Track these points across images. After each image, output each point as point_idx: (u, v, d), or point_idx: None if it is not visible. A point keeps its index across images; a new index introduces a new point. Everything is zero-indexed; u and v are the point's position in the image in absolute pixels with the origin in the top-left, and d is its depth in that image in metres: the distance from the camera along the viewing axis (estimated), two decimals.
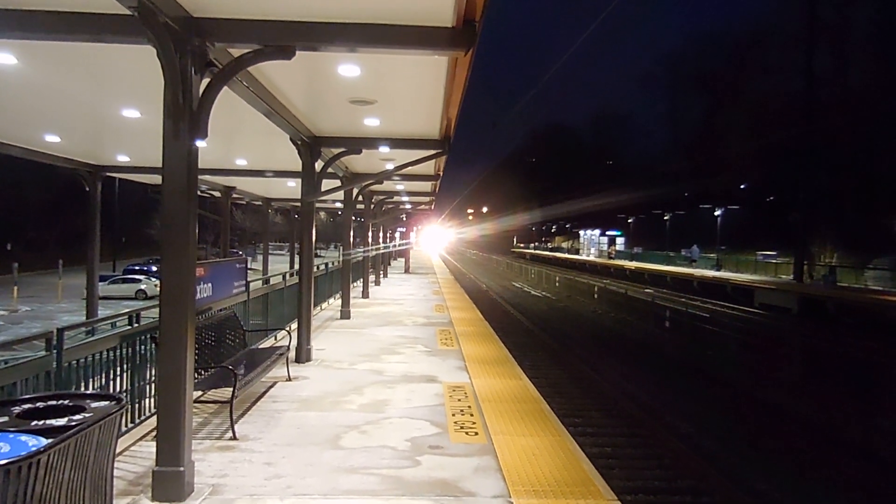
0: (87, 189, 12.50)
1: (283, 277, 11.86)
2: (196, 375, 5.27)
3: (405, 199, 22.88)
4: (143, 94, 6.55)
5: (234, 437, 5.37)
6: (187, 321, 4.13)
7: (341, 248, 17.24)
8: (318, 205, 11.55)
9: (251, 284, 9.10)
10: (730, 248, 44.49)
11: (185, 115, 3.99)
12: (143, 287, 32.04)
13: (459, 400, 6.75)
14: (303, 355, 8.55)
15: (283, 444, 5.26)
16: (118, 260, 44.75)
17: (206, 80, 4.24)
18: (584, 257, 62.90)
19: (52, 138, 9.48)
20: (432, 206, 30.03)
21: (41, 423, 2.84)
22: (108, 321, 6.50)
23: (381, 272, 25.48)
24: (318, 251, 45.64)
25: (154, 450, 4.15)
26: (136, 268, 38.14)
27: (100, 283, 17.00)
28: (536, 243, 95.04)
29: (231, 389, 5.52)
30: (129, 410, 5.43)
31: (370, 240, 20.71)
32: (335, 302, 15.64)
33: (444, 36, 4.35)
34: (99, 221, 12.77)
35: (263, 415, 6.09)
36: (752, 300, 28.02)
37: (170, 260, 4.14)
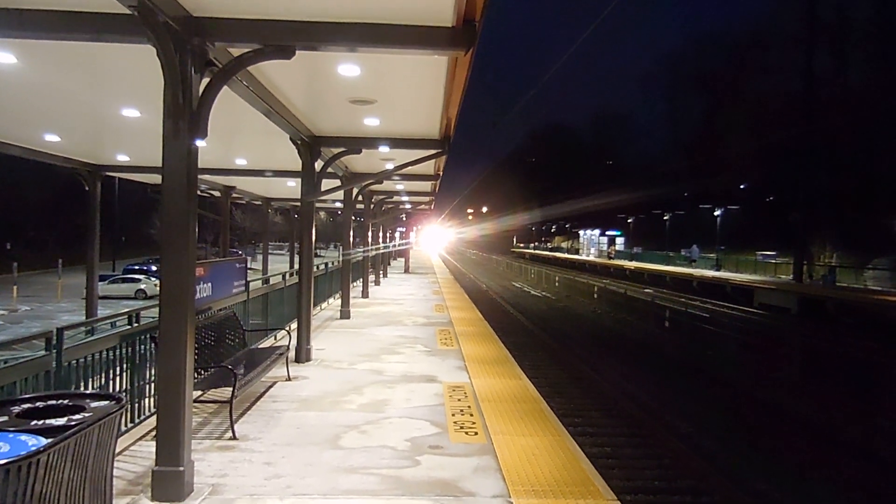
0: (87, 188, 12.50)
1: (283, 277, 11.86)
2: (196, 375, 5.27)
3: (405, 198, 22.88)
4: (143, 94, 6.54)
5: (233, 437, 5.37)
6: (187, 321, 4.13)
7: (341, 247, 17.24)
8: (317, 205, 11.56)
9: (251, 284, 9.10)
10: (729, 248, 44.48)
11: (184, 115, 3.98)
12: (142, 287, 32.04)
13: (459, 400, 6.75)
14: (302, 355, 8.55)
15: (283, 443, 5.26)
16: (118, 259, 44.74)
17: (205, 80, 4.24)
18: (583, 257, 62.93)
19: (51, 138, 9.47)
20: (432, 206, 30.04)
21: (41, 422, 2.83)
22: (108, 321, 6.52)
23: (381, 272, 25.48)
24: (317, 251, 45.64)
25: (154, 449, 4.15)
26: (136, 267, 38.13)
27: (99, 283, 16.99)
28: (536, 243, 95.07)
29: (231, 389, 5.52)
30: (129, 410, 5.43)
31: (370, 239, 20.71)
32: (335, 302, 15.64)
33: (444, 36, 4.35)
34: (99, 221, 12.76)
35: (263, 415, 6.09)
36: (751, 300, 28.04)
37: (170, 259, 4.14)
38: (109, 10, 3.92)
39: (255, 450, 5.09)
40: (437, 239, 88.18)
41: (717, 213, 44.51)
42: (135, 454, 4.90)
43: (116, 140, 9.83)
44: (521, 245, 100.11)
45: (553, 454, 5.07)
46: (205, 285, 6.51)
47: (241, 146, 10.73)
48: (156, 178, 13.96)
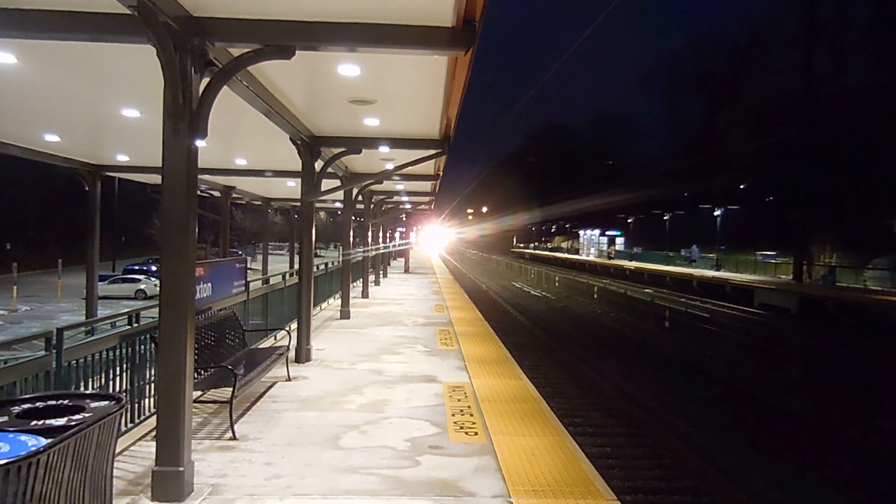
0: (87, 188, 12.49)
1: (283, 277, 11.86)
2: (196, 375, 5.27)
3: (405, 198, 22.88)
4: (142, 94, 6.54)
5: (233, 437, 5.37)
6: (187, 321, 4.13)
7: (341, 247, 17.23)
8: (317, 205, 11.56)
9: (251, 284, 9.10)
10: (729, 248, 44.52)
11: (184, 115, 3.98)
12: (142, 287, 32.04)
13: (459, 400, 6.75)
14: (302, 355, 8.55)
15: (283, 443, 5.26)
16: (118, 259, 44.71)
17: (205, 80, 4.24)
18: (583, 257, 62.91)
19: (51, 138, 9.47)
20: (432, 206, 30.04)
21: (41, 422, 2.83)
22: (108, 321, 6.52)
23: (381, 272, 25.48)
24: (317, 251, 45.63)
25: (154, 450, 4.15)
26: (136, 267, 38.12)
27: (99, 283, 16.99)
28: (536, 243, 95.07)
29: (231, 389, 5.52)
30: (129, 410, 5.43)
31: (370, 240, 20.71)
32: (335, 302, 15.64)
33: (443, 36, 4.35)
34: (99, 221, 12.75)
35: (263, 415, 6.09)
36: (751, 300, 28.04)
37: (169, 260, 4.14)
38: (109, 10, 3.92)
39: (255, 450, 5.09)
40: (437, 239, 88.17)
41: (717, 213, 44.55)
42: (135, 454, 4.90)
43: (116, 140, 9.83)
44: (521, 245, 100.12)
45: (553, 454, 5.07)
46: (205, 285, 6.50)
47: (241, 146, 10.73)
48: (156, 178, 13.96)
